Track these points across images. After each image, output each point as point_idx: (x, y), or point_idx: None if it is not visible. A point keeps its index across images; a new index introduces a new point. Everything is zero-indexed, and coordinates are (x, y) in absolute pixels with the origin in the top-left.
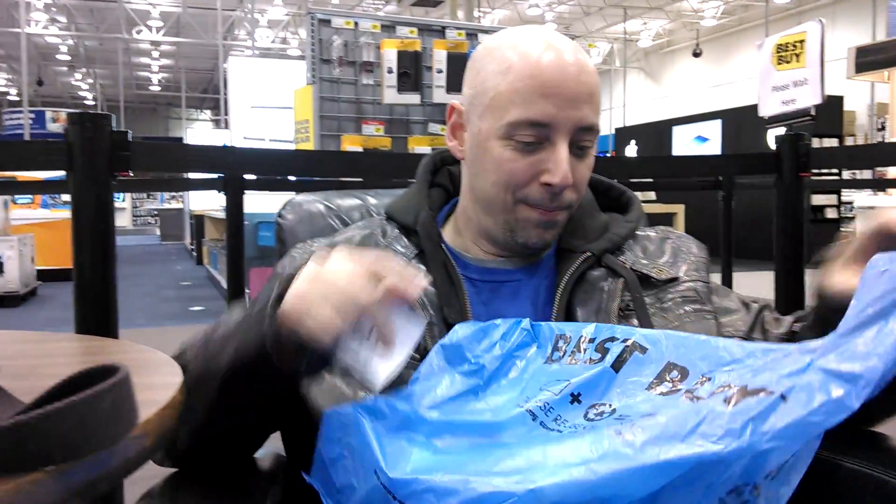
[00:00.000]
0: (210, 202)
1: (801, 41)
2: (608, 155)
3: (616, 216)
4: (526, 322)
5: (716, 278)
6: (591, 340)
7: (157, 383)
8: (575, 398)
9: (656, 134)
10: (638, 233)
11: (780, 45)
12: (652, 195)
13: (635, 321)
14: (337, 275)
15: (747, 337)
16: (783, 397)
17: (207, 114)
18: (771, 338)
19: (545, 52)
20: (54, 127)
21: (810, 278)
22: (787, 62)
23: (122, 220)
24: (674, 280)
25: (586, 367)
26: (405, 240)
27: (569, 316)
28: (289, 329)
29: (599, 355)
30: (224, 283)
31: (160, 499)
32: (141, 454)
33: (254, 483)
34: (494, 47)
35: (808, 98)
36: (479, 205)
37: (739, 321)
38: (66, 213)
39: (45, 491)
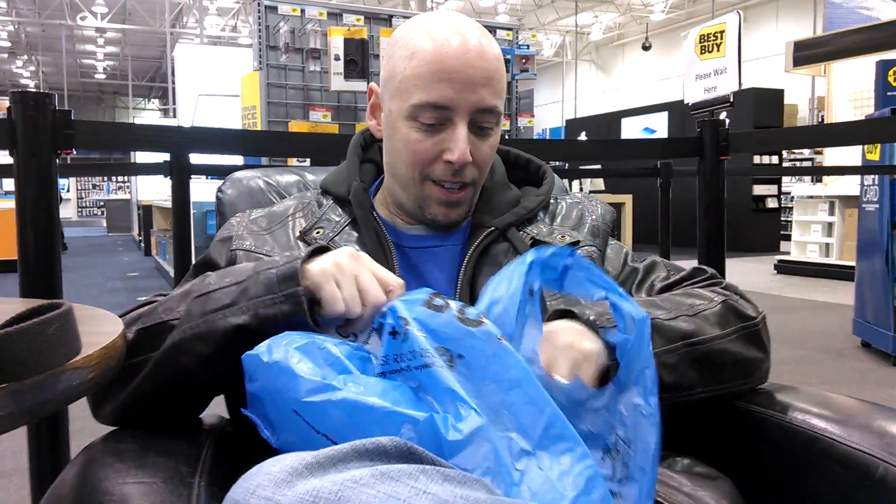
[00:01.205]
0: (158, 192)
1: (722, 32)
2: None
3: (530, 189)
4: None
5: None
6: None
7: (99, 331)
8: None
9: (606, 126)
10: (552, 202)
11: (703, 35)
12: (601, 185)
13: None
14: (373, 268)
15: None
16: None
17: (155, 103)
18: None
19: (447, 38)
20: None
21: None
22: (710, 52)
23: (68, 212)
24: (576, 244)
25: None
26: (339, 209)
27: (472, 287)
28: (305, 288)
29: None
30: (173, 273)
31: (102, 444)
32: (84, 384)
33: (195, 436)
34: (404, 33)
35: (727, 85)
36: (394, 180)
37: (635, 282)
38: (7, 204)
39: None
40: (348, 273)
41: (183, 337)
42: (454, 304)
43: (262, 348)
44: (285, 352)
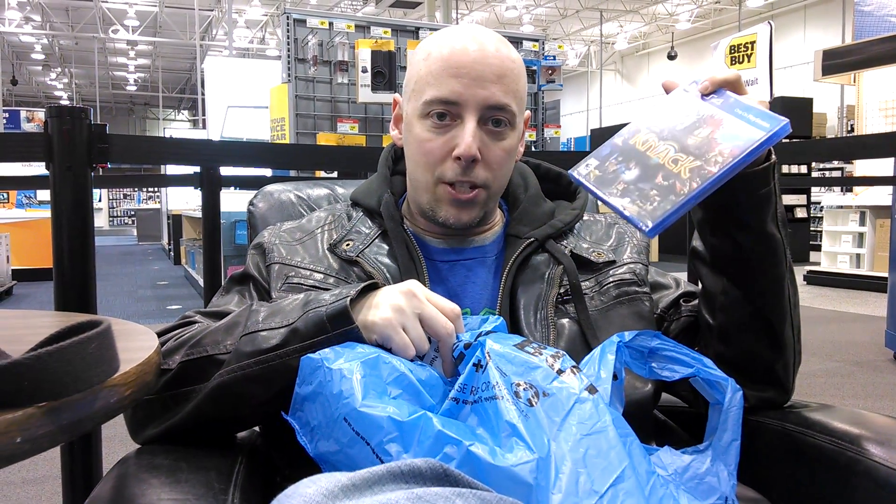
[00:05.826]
0: (187, 202)
1: (753, 42)
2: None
3: (564, 203)
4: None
5: (682, 274)
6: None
7: (135, 346)
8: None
9: None
10: (586, 218)
11: (734, 45)
12: None
13: (571, 307)
14: (430, 297)
15: (664, 313)
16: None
17: (185, 114)
18: (676, 317)
19: (461, 40)
20: (29, 127)
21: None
22: (740, 62)
23: (99, 221)
24: (612, 263)
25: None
26: (369, 221)
27: (512, 299)
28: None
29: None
30: (202, 282)
31: (136, 459)
32: (121, 401)
33: (228, 451)
34: (425, 42)
35: (758, 96)
36: (412, 185)
37: (665, 298)
38: (41, 213)
39: (37, 424)
40: (410, 315)
41: (234, 377)
42: (547, 352)
43: (326, 354)
44: (349, 362)
